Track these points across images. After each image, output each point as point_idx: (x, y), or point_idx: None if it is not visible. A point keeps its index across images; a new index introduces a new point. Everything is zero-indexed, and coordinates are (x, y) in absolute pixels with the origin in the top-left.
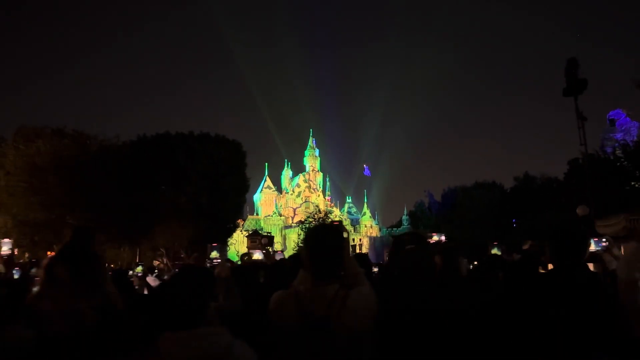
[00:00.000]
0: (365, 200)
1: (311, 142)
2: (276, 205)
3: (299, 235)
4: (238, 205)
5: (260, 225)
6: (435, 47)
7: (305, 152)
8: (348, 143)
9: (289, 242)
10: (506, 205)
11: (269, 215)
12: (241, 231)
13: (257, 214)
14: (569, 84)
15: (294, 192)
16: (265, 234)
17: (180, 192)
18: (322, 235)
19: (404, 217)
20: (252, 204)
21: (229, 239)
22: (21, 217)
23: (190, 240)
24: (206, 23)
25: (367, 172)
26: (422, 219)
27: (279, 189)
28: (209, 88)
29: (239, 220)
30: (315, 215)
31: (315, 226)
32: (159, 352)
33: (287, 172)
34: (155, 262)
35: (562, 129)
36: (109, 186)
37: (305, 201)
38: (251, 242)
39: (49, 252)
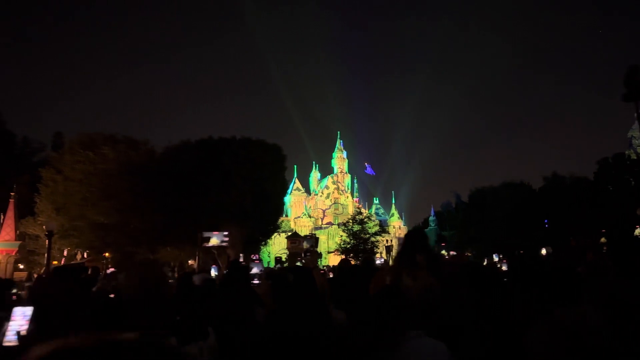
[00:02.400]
0: (394, 202)
1: (339, 144)
2: (305, 207)
3: (329, 235)
4: (278, 206)
5: (290, 227)
6: (468, 50)
7: (333, 154)
8: (377, 144)
9: (320, 243)
10: (535, 205)
11: (298, 217)
12: (279, 233)
13: (287, 215)
14: (629, 90)
15: (322, 193)
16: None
17: (225, 195)
18: None
19: (431, 218)
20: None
21: (268, 240)
22: (94, 220)
23: (242, 241)
24: (239, 29)
25: (369, 170)
26: (449, 219)
27: (308, 191)
28: (239, 92)
29: (283, 219)
30: (357, 217)
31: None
32: None
33: (315, 174)
34: (190, 262)
35: (590, 129)
36: (168, 190)
37: (335, 203)
38: (291, 243)
39: (106, 254)
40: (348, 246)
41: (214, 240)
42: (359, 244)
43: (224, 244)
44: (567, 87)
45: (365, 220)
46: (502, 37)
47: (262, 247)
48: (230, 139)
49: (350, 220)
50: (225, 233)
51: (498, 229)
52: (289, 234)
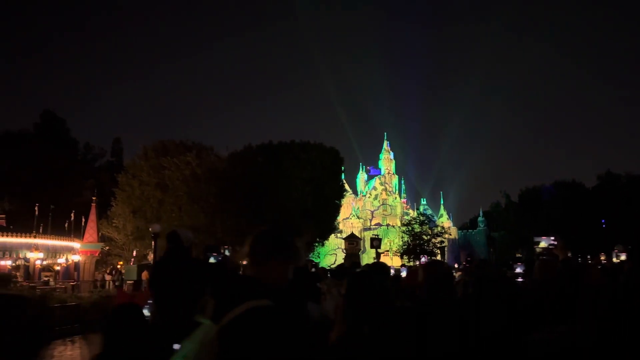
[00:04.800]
0: (442, 202)
1: (386, 145)
2: (354, 208)
3: (375, 236)
4: (335, 208)
5: (338, 228)
6: (519, 50)
7: (380, 155)
8: (425, 145)
9: (367, 244)
10: (589, 204)
11: (347, 218)
12: (335, 235)
13: None
14: None
15: (370, 194)
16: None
17: (288, 198)
18: None
19: (480, 219)
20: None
21: (325, 241)
22: (181, 223)
23: (307, 242)
24: (289, 28)
25: (373, 171)
26: (499, 219)
27: (355, 192)
28: (285, 93)
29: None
30: (418, 218)
31: None
32: None
33: (362, 175)
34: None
35: None
36: (243, 193)
37: (383, 204)
38: (349, 244)
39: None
40: (408, 247)
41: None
42: (420, 244)
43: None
44: (621, 83)
45: (426, 221)
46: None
47: (317, 248)
48: (289, 143)
49: (412, 221)
50: None
51: (549, 230)
52: (338, 234)
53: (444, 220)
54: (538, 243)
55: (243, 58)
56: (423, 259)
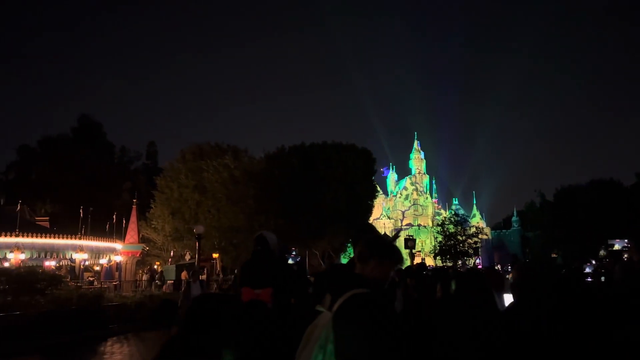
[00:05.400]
0: (475, 202)
1: (416, 145)
2: (384, 208)
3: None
4: (368, 208)
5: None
6: (557, 47)
7: (411, 155)
8: (457, 144)
9: (399, 245)
10: (627, 204)
11: (377, 218)
12: None
13: None
14: None
15: (401, 194)
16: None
17: (322, 199)
18: None
19: (514, 219)
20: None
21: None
22: (219, 224)
23: (341, 242)
24: (316, 28)
25: (386, 172)
26: (533, 219)
27: (385, 192)
28: (314, 92)
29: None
30: (452, 218)
31: None
32: None
33: (392, 175)
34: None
35: None
36: (282, 194)
37: (414, 204)
38: None
39: (214, 255)
40: (442, 248)
41: None
42: (455, 245)
43: None
44: None
45: (461, 221)
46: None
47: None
48: (322, 144)
49: (446, 221)
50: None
51: (588, 230)
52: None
53: (477, 220)
54: (612, 245)
55: (272, 61)
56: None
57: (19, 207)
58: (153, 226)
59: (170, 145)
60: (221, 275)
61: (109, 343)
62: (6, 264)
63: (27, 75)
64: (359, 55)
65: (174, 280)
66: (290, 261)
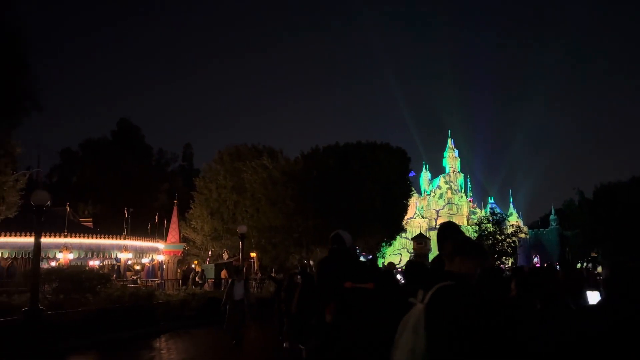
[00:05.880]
0: (511, 200)
1: (450, 142)
2: (418, 207)
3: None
4: (404, 208)
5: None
6: (595, 43)
7: (444, 153)
8: (492, 142)
9: (434, 244)
10: None
11: (411, 217)
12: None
13: None
14: None
15: (435, 193)
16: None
17: (358, 199)
18: None
19: (552, 217)
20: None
21: (392, 241)
22: (258, 224)
23: (377, 241)
24: (347, 22)
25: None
26: (572, 218)
27: (418, 191)
28: (346, 90)
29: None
30: (490, 217)
31: None
32: None
33: (425, 174)
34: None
35: None
36: (317, 195)
37: (448, 203)
38: (417, 244)
39: (252, 254)
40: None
41: None
42: (494, 244)
43: None
44: None
45: (500, 220)
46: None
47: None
48: (356, 144)
49: (485, 220)
50: None
51: (628, 230)
52: (402, 234)
53: (514, 219)
54: None
55: (303, 60)
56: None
57: (67, 209)
58: (192, 226)
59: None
60: (259, 274)
61: (162, 339)
62: (53, 263)
63: (69, 80)
64: (390, 53)
65: (214, 279)
66: (361, 258)
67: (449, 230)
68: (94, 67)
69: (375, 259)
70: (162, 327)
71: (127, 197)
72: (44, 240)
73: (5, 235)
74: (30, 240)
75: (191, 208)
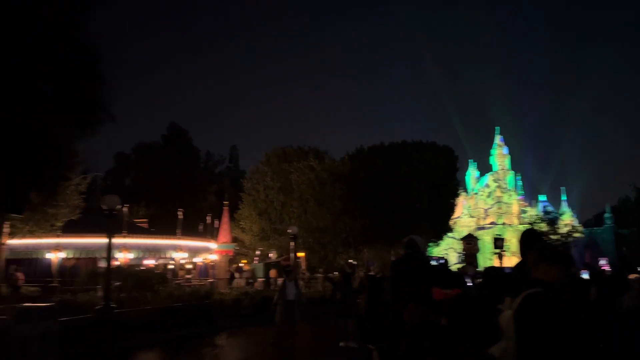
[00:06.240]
0: (565, 198)
1: (498, 139)
2: (465, 207)
3: (493, 236)
4: (451, 207)
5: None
6: None
7: (492, 150)
8: (543, 138)
9: (482, 244)
10: None
11: (459, 217)
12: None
13: None
14: None
15: (483, 192)
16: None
17: (404, 199)
18: None
19: (606, 215)
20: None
21: (440, 242)
22: (306, 224)
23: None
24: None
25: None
26: (628, 215)
27: (465, 190)
28: (390, 88)
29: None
30: (543, 216)
31: None
32: None
33: (473, 172)
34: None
35: None
36: (364, 195)
37: (498, 202)
38: (467, 244)
39: (300, 254)
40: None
41: None
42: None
43: None
44: None
45: (554, 219)
46: None
47: (431, 248)
48: (401, 143)
49: (537, 219)
50: None
51: None
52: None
53: (567, 218)
54: None
55: (345, 60)
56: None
57: (125, 210)
58: (241, 226)
59: (249, 147)
60: (307, 274)
61: (222, 337)
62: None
63: (120, 85)
64: (435, 49)
65: (264, 278)
66: (432, 262)
67: (532, 238)
68: (144, 72)
69: (446, 263)
70: (220, 325)
71: (178, 198)
72: (106, 240)
73: (69, 237)
74: (92, 241)
75: (239, 209)
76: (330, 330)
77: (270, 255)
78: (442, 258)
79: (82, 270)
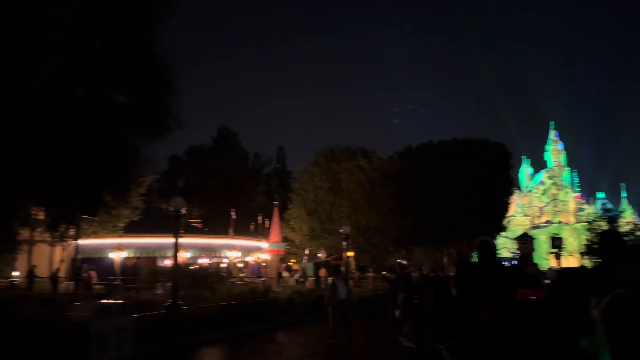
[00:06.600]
0: (625, 195)
1: (552, 135)
2: (519, 205)
3: (549, 235)
4: (505, 205)
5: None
6: None
7: (546, 146)
8: (600, 133)
9: (537, 244)
10: None
11: (512, 215)
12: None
13: None
14: None
15: (537, 189)
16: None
17: (454, 197)
18: None
19: None
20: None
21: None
22: (356, 223)
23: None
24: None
25: None
26: None
27: (518, 187)
28: (439, 84)
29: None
30: (603, 214)
31: None
32: None
33: (526, 169)
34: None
35: None
36: (416, 193)
37: (553, 199)
38: (521, 243)
39: (349, 253)
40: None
41: None
42: None
43: None
44: None
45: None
46: None
47: None
48: (451, 141)
49: (596, 218)
50: None
51: None
52: (502, 233)
53: (628, 216)
54: None
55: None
56: None
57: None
58: (291, 226)
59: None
60: (357, 274)
61: (280, 334)
62: (166, 262)
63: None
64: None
65: (315, 277)
66: (505, 263)
67: (613, 239)
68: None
69: (521, 265)
70: (275, 323)
71: (228, 199)
72: (164, 240)
73: (130, 237)
74: (151, 240)
75: (288, 209)
76: (384, 329)
77: (319, 254)
78: (514, 259)
79: (142, 269)
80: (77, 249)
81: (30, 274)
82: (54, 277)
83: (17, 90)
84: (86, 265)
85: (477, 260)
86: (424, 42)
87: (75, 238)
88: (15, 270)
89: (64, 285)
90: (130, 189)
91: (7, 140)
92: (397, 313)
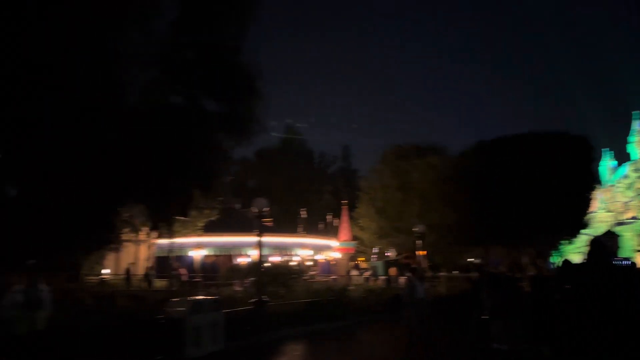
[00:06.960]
0: None
1: (636, 125)
2: (601, 200)
3: (635, 232)
4: (587, 201)
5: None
6: None
7: (630, 137)
8: None
9: (622, 241)
10: None
11: (594, 211)
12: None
13: None
14: None
15: (621, 184)
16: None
17: (532, 193)
18: None
19: None
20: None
21: (573, 239)
22: (428, 222)
23: (556, 240)
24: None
25: None
26: None
27: (599, 182)
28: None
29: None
30: None
31: None
32: None
33: (608, 163)
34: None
35: None
36: (493, 191)
37: (639, 194)
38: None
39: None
40: None
41: None
42: None
43: None
44: None
45: None
46: None
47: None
48: (526, 134)
49: None
50: None
51: None
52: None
53: None
54: None
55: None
56: None
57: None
58: (359, 225)
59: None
60: (429, 273)
61: (359, 331)
62: (239, 259)
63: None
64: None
65: (386, 276)
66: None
67: None
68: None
69: (634, 265)
70: (352, 320)
71: (296, 198)
72: (240, 239)
73: (209, 236)
74: (228, 239)
75: (356, 207)
76: (462, 329)
77: (389, 253)
78: (628, 259)
79: (220, 267)
80: (171, 248)
81: (128, 272)
82: (147, 275)
83: (118, 100)
84: (177, 262)
85: (587, 260)
86: (496, 36)
87: (170, 237)
88: (104, 268)
89: (157, 283)
90: (219, 190)
91: (115, 146)
92: (482, 314)
